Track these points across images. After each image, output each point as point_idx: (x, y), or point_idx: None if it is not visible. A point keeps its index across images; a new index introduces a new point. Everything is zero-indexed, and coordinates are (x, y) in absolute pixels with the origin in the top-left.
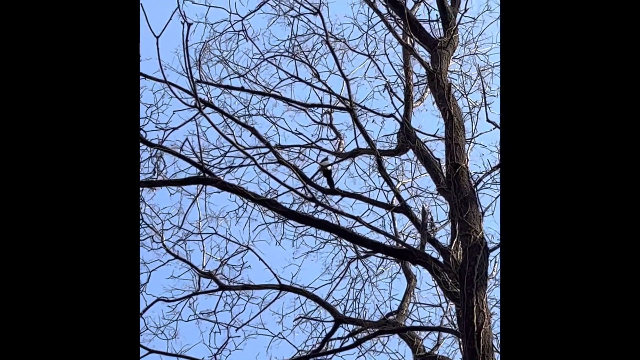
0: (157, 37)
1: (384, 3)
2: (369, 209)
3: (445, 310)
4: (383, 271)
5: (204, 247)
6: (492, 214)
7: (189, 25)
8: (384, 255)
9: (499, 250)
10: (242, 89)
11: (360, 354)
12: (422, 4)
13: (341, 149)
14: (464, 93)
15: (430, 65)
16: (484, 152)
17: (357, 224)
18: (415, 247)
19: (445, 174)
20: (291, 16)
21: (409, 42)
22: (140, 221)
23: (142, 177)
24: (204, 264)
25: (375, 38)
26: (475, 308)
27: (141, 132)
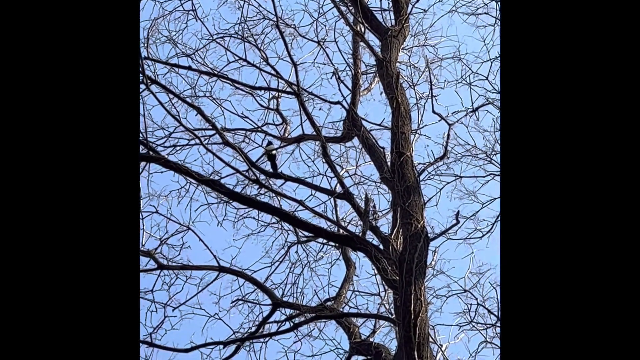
0: None
1: None
2: (311, 194)
3: (382, 298)
4: (323, 257)
5: (143, 225)
6: (437, 205)
7: (139, 0)
8: (324, 241)
9: (439, 240)
10: (189, 68)
11: (297, 338)
12: None
13: (287, 134)
14: (411, 84)
15: (380, 53)
16: (428, 143)
17: (300, 208)
18: (356, 234)
19: (389, 163)
20: None
21: (359, 30)
22: None
23: None
24: (143, 243)
25: (325, 25)
26: (413, 296)
27: None
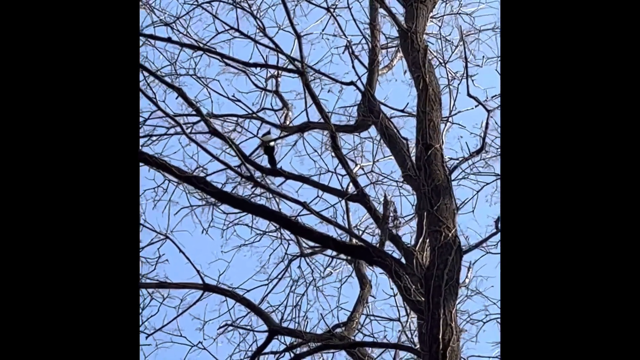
0: None
1: None
2: (318, 195)
3: (404, 324)
4: (331, 273)
5: None
6: (473, 210)
7: None
8: (333, 253)
9: (475, 253)
10: (169, 39)
11: None
12: None
13: (288, 122)
14: (442, 61)
15: (403, 22)
16: (462, 133)
17: (303, 212)
18: (372, 244)
19: (414, 158)
20: None
21: None
22: None
23: None
24: None
25: None
26: (442, 321)
27: None
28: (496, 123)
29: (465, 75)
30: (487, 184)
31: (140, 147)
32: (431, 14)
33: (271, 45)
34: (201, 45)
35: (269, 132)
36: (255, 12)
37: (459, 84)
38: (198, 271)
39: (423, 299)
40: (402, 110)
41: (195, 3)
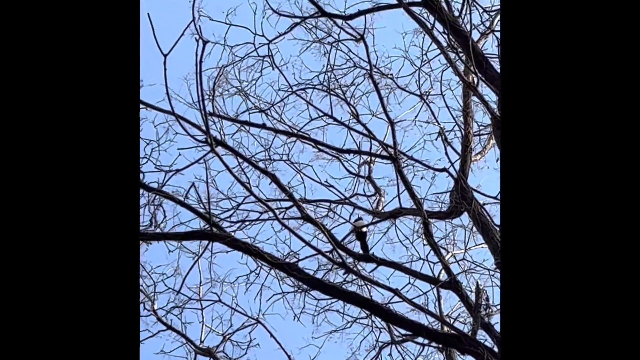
0: (165, 56)
1: (444, 32)
2: (409, 282)
3: None
4: None
5: (203, 317)
6: None
7: (205, 43)
8: (425, 341)
9: None
10: (263, 126)
11: None
12: (491, 35)
13: (380, 208)
14: None
15: (496, 110)
16: None
17: (395, 299)
18: (465, 332)
19: None
20: (328, 43)
21: (471, 81)
22: None
23: None
24: (203, 339)
25: (430, 75)
26: None
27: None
28: None
29: None
30: None
31: (233, 234)
32: None
33: (364, 131)
34: (295, 131)
35: (360, 218)
36: (349, 99)
37: None
38: (289, 356)
39: None
40: (494, 197)
41: (290, 90)
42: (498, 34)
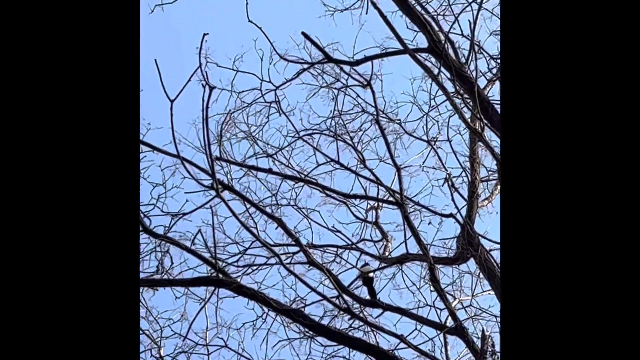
0: (172, 102)
1: (451, 79)
2: (416, 328)
3: None
4: None
5: None
6: None
7: (211, 89)
8: None
9: None
10: (270, 171)
11: None
12: (497, 82)
13: (387, 254)
14: None
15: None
16: None
17: (401, 345)
18: None
19: None
20: (336, 89)
21: (478, 127)
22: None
23: (141, 275)
24: None
25: (437, 121)
26: None
27: (144, 218)
28: None
29: None
30: None
31: (239, 280)
32: None
33: (371, 177)
34: (302, 176)
35: (367, 264)
36: (356, 144)
37: None
38: None
39: None
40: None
41: (297, 135)
42: None
